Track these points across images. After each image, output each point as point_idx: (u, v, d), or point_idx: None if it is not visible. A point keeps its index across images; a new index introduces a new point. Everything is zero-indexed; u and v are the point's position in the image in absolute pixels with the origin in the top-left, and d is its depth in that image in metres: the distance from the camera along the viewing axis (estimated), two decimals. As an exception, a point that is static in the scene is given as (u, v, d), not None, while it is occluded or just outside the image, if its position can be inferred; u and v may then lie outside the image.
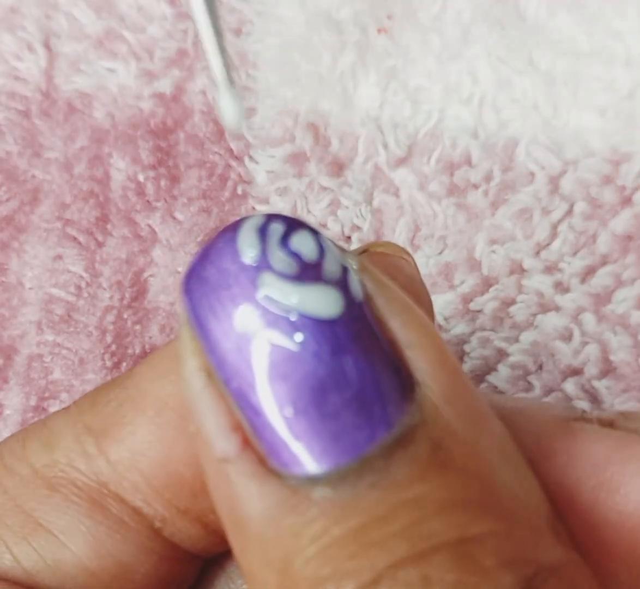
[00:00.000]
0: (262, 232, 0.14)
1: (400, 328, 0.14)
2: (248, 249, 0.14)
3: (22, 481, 0.17)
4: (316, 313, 0.13)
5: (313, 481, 0.13)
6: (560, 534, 0.14)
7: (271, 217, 0.14)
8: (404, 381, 0.14)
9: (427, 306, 0.18)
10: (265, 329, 0.13)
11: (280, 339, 0.13)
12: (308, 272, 0.14)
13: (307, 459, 0.13)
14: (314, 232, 0.14)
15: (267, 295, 0.13)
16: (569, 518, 0.15)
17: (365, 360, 0.13)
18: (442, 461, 0.13)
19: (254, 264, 0.14)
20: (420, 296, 0.18)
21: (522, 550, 0.13)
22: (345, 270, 0.14)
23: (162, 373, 0.17)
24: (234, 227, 0.14)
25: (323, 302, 0.13)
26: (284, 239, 0.14)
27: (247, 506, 0.13)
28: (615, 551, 0.16)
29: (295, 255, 0.14)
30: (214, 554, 0.18)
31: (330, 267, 0.14)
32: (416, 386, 0.14)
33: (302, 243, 0.14)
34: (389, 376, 0.14)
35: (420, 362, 0.14)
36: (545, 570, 0.13)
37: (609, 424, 0.16)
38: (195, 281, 0.14)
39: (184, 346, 0.14)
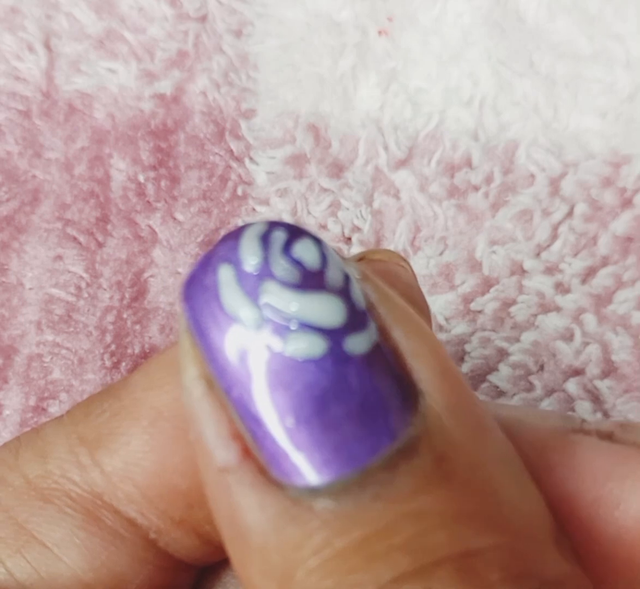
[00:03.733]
0: (265, 240, 0.14)
1: (404, 337, 0.14)
2: (250, 257, 0.13)
3: (15, 492, 0.17)
4: (319, 322, 0.13)
5: (314, 492, 0.13)
6: (564, 548, 0.14)
7: (273, 225, 0.14)
8: (407, 391, 0.13)
9: (425, 314, 0.18)
10: (267, 338, 0.13)
11: (282, 347, 0.13)
12: (310, 281, 0.13)
13: (308, 469, 0.13)
14: (317, 241, 0.14)
15: (268, 303, 0.13)
16: (568, 532, 0.15)
17: (368, 370, 0.13)
18: (446, 473, 0.13)
19: (256, 272, 0.13)
20: (418, 304, 0.18)
21: (526, 564, 0.13)
22: (347, 278, 0.14)
23: (157, 383, 0.17)
24: (235, 235, 0.14)
25: (326, 310, 0.13)
26: (287, 247, 0.14)
27: (247, 516, 0.13)
28: (615, 565, 0.15)
29: (298, 263, 0.13)
30: (210, 564, 0.18)
31: (333, 275, 0.14)
32: (420, 396, 0.13)
33: (305, 251, 0.14)
34: (392, 386, 0.13)
35: (424, 372, 0.13)
36: (548, 585, 0.13)
37: (608, 436, 0.16)
38: (196, 288, 0.14)
39: (184, 353, 0.14)
